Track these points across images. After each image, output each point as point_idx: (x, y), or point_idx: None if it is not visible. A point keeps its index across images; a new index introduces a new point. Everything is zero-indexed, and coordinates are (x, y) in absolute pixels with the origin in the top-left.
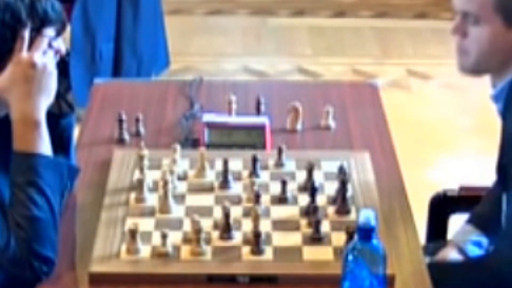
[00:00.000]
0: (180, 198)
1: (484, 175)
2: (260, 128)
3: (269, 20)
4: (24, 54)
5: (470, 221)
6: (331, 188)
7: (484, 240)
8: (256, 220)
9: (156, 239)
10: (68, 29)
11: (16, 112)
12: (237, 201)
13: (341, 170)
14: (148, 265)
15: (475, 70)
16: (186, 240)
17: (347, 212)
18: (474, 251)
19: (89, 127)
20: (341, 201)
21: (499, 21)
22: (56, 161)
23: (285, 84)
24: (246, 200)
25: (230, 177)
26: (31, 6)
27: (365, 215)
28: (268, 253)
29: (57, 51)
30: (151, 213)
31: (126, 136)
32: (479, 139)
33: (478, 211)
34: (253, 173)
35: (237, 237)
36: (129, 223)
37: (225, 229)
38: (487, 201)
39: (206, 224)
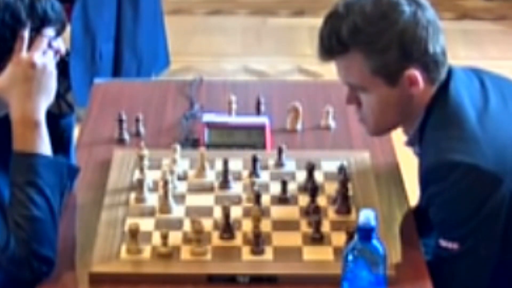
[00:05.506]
0: (180, 198)
1: None
2: (260, 128)
3: (269, 20)
4: (24, 54)
5: None
6: (331, 188)
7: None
8: (256, 220)
9: (156, 239)
10: (68, 29)
11: (16, 112)
12: (237, 201)
13: (341, 170)
14: (148, 265)
15: (380, 131)
16: (186, 240)
17: (347, 212)
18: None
19: (89, 127)
20: (341, 201)
21: (382, 83)
22: (56, 161)
23: (285, 84)
24: (246, 200)
25: (230, 177)
26: (31, 6)
27: (365, 215)
28: (268, 253)
29: (57, 51)
30: (151, 213)
31: (126, 136)
32: None
33: None
34: (253, 173)
35: (237, 237)
36: (129, 223)
37: (225, 229)
38: None
39: (206, 224)
